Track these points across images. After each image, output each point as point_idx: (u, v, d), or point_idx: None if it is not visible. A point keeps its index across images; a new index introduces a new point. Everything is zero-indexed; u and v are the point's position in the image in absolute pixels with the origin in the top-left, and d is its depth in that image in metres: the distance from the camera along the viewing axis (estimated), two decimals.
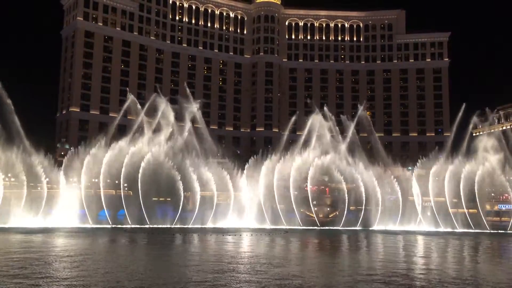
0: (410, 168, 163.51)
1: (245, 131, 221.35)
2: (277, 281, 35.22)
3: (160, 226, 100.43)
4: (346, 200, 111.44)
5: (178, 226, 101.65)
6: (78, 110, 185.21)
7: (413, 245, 74.16)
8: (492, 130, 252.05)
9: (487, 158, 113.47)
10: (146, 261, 47.00)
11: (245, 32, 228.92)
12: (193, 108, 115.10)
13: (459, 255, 62.05)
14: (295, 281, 35.51)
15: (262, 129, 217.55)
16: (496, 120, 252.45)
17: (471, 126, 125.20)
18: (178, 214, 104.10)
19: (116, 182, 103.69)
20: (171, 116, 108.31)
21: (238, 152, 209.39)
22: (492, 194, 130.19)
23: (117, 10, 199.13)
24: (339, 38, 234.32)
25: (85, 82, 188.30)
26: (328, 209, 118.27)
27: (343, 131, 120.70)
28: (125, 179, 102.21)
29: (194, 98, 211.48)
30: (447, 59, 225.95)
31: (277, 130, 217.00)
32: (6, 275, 35.85)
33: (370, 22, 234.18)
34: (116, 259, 47.91)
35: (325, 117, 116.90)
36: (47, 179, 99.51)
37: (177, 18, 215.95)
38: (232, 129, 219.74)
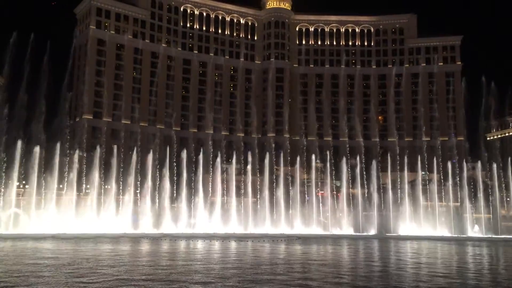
0: (423, 172, 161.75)
1: (256, 137, 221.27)
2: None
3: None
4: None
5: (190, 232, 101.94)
6: (91, 117, 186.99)
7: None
8: (507, 134, 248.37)
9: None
10: None
11: (255, 38, 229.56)
12: None
13: None
14: None
15: (273, 134, 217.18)
16: (510, 124, 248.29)
17: None
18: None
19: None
20: None
21: (250, 158, 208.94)
22: (508, 199, 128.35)
23: (129, 18, 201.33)
24: (350, 43, 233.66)
25: (98, 90, 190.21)
26: (340, 214, 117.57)
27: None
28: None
29: (205, 103, 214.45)
30: (459, 62, 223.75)
31: (288, 136, 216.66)
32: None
33: (381, 26, 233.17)
34: None
35: None
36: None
37: (188, 25, 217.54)
38: (243, 134, 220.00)
